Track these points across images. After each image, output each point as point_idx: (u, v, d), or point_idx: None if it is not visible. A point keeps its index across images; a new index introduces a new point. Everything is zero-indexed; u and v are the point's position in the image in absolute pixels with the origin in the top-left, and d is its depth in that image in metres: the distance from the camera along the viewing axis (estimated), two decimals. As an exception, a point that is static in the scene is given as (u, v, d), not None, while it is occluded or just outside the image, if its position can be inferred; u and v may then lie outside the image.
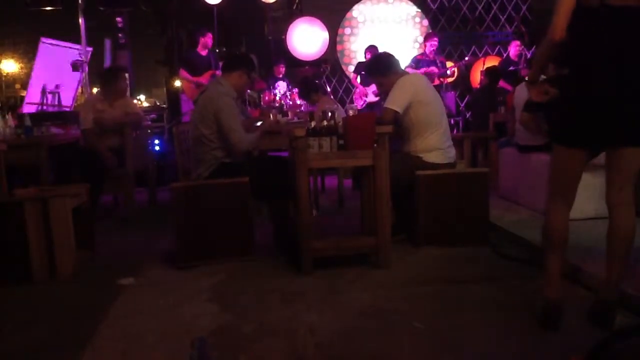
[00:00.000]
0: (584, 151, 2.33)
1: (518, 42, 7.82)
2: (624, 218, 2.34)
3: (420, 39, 8.87)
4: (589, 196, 3.84)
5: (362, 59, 7.95)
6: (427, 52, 7.71)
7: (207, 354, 1.39)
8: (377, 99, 7.31)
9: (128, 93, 7.18)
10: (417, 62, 7.56)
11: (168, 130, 8.31)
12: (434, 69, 7.48)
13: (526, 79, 2.49)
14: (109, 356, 2.34)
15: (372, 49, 7.50)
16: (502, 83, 6.88)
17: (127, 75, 5.64)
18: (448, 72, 7.91)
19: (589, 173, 3.75)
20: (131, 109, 5.14)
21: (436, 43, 7.71)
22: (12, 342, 2.49)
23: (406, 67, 6.96)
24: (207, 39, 7.37)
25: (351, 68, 8.60)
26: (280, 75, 7.99)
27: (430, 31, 8.67)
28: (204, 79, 7.14)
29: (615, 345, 1.35)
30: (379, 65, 3.95)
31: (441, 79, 7.73)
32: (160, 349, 2.37)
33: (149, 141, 6.37)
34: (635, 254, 2.56)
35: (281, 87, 7.44)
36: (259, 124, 4.25)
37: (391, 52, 4.09)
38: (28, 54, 20.86)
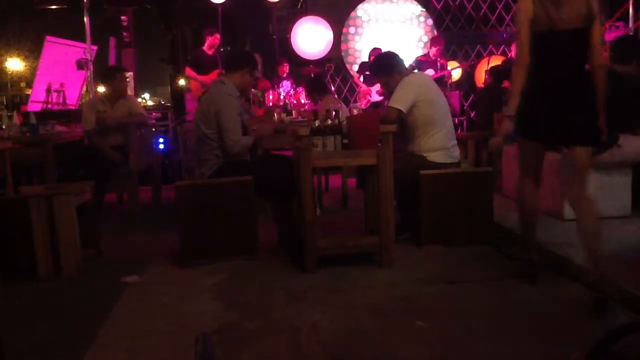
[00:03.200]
0: (541, 144, 2.84)
1: None
2: (587, 211, 2.67)
3: (425, 38, 8.86)
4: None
5: (366, 60, 7.93)
6: (431, 54, 7.69)
7: (212, 350, 1.39)
8: (381, 98, 7.30)
9: (133, 92, 7.21)
10: (418, 63, 7.52)
11: (172, 129, 8.33)
12: (431, 71, 7.42)
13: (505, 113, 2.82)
14: (113, 353, 2.35)
15: (376, 51, 7.48)
16: (506, 83, 6.86)
17: (127, 74, 5.66)
18: (454, 72, 7.87)
19: (590, 173, 3.76)
20: (134, 109, 5.14)
21: (442, 47, 7.69)
22: (17, 338, 2.50)
23: (408, 66, 6.94)
24: (215, 39, 7.40)
25: (355, 67, 8.59)
26: (284, 75, 7.99)
27: (436, 33, 8.63)
28: (210, 78, 7.16)
29: (616, 343, 1.35)
30: (384, 65, 3.95)
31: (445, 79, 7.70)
32: (164, 346, 2.38)
33: (154, 140, 6.39)
34: (636, 254, 2.58)
35: (285, 86, 7.45)
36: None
37: (395, 52, 4.09)
38: (33, 52, 20.94)
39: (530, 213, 2.92)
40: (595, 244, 2.62)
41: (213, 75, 7.16)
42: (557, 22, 2.62)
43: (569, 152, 2.74)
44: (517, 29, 2.71)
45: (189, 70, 7.49)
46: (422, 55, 7.87)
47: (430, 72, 7.36)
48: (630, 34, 7.47)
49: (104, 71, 5.51)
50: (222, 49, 8.44)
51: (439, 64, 7.58)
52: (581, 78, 2.70)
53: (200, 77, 7.28)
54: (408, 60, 7.36)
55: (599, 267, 2.58)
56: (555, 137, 2.76)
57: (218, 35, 7.44)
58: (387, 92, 3.99)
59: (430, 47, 7.77)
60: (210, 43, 7.40)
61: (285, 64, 8.03)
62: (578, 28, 2.64)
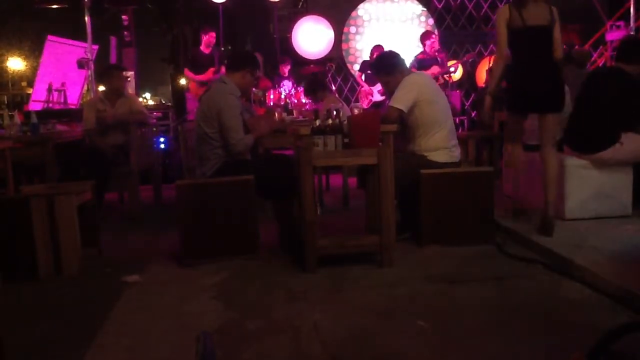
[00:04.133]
0: (523, 114, 3.77)
1: None
2: (553, 163, 3.64)
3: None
4: (589, 196, 3.85)
5: (368, 58, 7.91)
6: (428, 50, 7.55)
7: (212, 349, 1.40)
8: (383, 97, 7.28)
9: (133, 92, 7.22)
10: (420, 62, 7.41)
11: (173, 128, 8.34)
12: (436, 68, 7.37)
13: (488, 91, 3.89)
14: (113, 352, 2.35)
15: (378, 48, 7.45)
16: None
17: (127, 73, 5.66)
18: (452, 69, 7.82)
19: (591, 173, 3.79)
20: (135, 107, 5.14)
21: (435, 40, 7.56)
22: (18, 338, 2.50)
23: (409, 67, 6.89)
24: (210, 38, 7.44)
25: (356, 67, 8.59)
26: (286, 74, 7.99)
27: (427, 29, 8.57)
28: (206, 76, 7.20)
29: (616, 343, 1.35)
30: (385, 64, 3.94)
31: (445, 77, 7.63)
32: (164, 345, 2.38)
33: (154, 139, 6.40)
34: (636, 254, 2.59)
35: (286, 85, 7.46)
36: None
37: (396, 51, 4.09)
38: (34, 51, 20.93)
39: (521, 171, 3.87)
40: (554, 187, 3.63)
41: (208, 74, 7.21)
42: (527, 19, 3.50)
43: (543, 118, 3.62)
44: (497, 31, 3.59)
45: (186, 71, 7.55)
46: (420, 54, 7.76)
47: (435, 68, 7.32)
48: (632, 33, 7.48)
49: (101, 70, 5.53)
50: (222, 48, 8.45)
51: (439, 59, 7.52)
52: (549, 62, 3.56)
53: (196, 77, 7.33)
54: (408, 60, 7.33)
55: (549, 208, 3.58)
56: (532, 107, 3.66)
57: (213, 34, 7.48)
58: (388, 92, 3.99)
59: (424, 43, 7.57)
60: (207, 42, 7.45)
61: (287, 64, 8.02)
62: (545, 25, 3.51)
